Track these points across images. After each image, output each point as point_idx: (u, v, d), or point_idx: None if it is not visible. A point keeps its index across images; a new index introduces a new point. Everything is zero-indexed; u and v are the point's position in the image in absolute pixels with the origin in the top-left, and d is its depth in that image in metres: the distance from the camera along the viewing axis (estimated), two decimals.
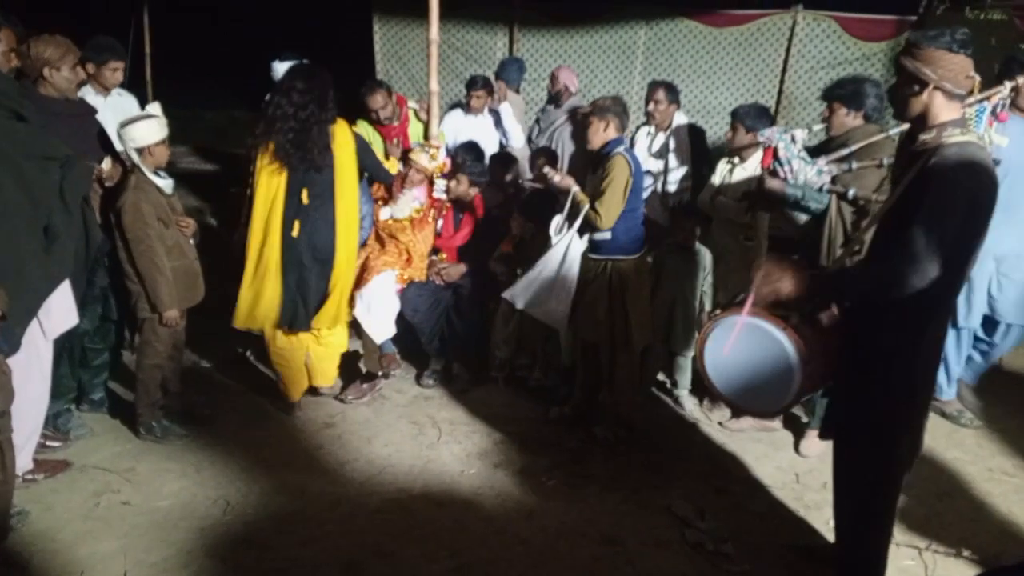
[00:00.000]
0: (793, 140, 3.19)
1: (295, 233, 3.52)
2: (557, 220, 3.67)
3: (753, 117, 3.79)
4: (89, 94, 4.10)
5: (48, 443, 3.39)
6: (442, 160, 4.33)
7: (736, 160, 3.96)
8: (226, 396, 4.07)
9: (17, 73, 3.32)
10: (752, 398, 2.58)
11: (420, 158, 4.21)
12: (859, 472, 2.50)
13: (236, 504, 3.13)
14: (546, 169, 3.61)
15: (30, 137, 2.95)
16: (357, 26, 7.32)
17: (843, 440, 2.58)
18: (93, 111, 3.58)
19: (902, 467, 2.48)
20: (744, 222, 3.85)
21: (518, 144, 5.18)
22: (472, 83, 5.14)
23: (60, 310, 3.10)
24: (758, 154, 3.71)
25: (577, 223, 3.53)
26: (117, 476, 3.27)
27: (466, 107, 5.19)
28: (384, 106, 4.50)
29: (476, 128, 5.12)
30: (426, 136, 4.57)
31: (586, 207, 3.46)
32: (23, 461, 3.05)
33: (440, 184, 4.29)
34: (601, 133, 3.47)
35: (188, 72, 7.16)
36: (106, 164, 3.43)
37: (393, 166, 4.56)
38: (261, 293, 3.60)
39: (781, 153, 3.17)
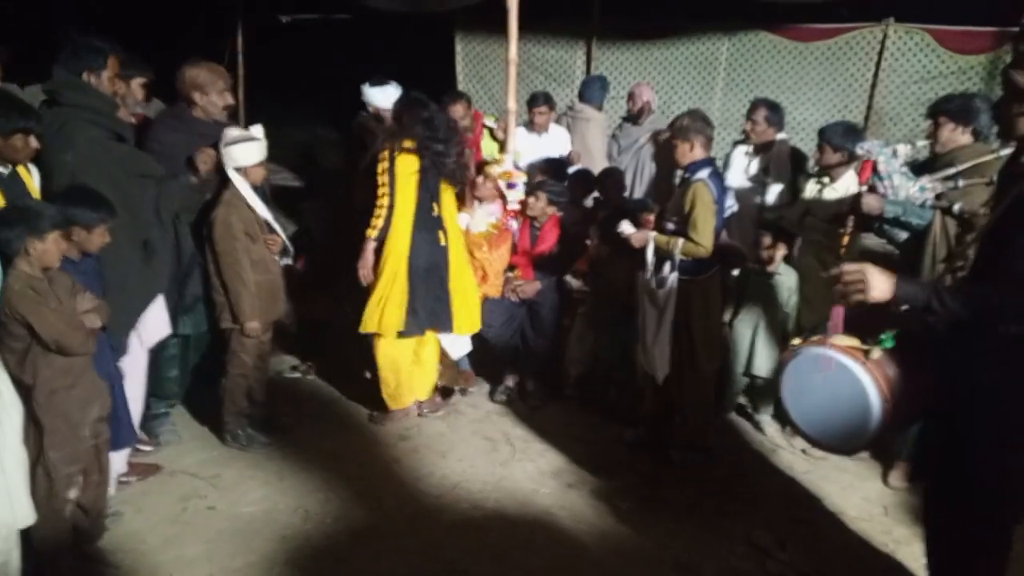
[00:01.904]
0: (895, 154, 3.06)
1: (442, 242, 3.83)
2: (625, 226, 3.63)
3: (841, 135, 3.64)
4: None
5: (140, 447, 3.55)
6: (509, 168, 4.35)
7: (826, 180, 3.81)
8: (307, 407, 4.18)
9: (176, 95, 3.55)
10: (829, 436, 2.37)
11: (492, 170, 4.28)
12: (952, 525, 2.28)
13: (315, 514, 3.20)
14: (621, 228, 3.58)
15: (129, 156, 3.15)
16: (436, 47, 7.45)
17: (935, 487, 2.38)
18: None
19: (1010, 522, 2.22)
20: (834, 244, 3.71)
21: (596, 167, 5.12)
22: (533, 100, 5.08)
23: (155, 321, 3.27)
24: (849, 173, 3.57)
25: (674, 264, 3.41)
26: (204, 482, 3.40)
27: (530, 125, 5.14)
28: (463, 117, 4.60)
29: (541, 146, 5.06)
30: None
31: (677, 248, 3.35)
32: (119, 463, 3.21)
33: (510, 195, 4.31)
34: (689, 154, 3.40)
35: (277, 92, 7.48)
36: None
37: None
38: (390, 299, 3.77)
39: (881, 167, 3.04)
